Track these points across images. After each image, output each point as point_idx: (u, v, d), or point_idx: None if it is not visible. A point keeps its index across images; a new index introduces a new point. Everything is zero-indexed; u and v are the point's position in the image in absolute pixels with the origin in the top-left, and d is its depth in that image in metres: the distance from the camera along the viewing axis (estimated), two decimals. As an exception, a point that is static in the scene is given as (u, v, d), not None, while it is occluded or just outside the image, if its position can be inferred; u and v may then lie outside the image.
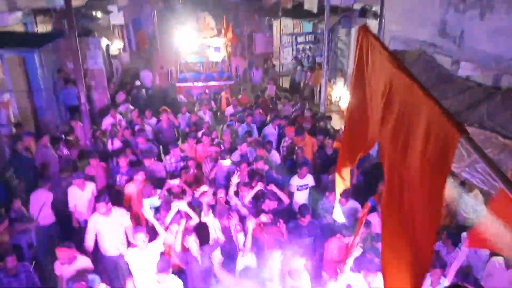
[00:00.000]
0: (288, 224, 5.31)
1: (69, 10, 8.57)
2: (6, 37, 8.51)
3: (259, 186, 5.62)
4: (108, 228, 5.24)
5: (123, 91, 12.74)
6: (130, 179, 6.37)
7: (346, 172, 3.15)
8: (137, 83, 13.65)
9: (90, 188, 6.26)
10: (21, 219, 5.89)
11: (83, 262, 4.79)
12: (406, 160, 1.93)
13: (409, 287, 1.94)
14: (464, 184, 6.51)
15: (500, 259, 4.88)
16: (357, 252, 4.35)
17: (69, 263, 4.63)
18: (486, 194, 6.14)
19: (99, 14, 15.07)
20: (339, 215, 3.66)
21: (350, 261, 4.19)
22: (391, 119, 2.10)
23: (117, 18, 18.55)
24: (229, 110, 10.34)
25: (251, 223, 4.72)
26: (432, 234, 1.79)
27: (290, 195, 6.26)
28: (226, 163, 6.77)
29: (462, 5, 6.01)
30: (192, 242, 4.58)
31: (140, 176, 6.14)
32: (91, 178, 6.54)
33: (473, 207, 6.49)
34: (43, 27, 11.75)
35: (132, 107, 10.63)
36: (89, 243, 5.30)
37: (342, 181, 3.20)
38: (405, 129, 1.95)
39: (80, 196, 6.16)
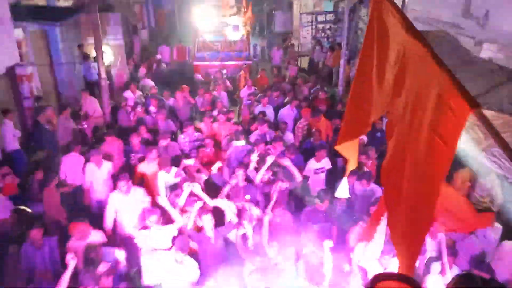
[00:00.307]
0: (305, 209, 5.28)
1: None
2: (29, 10, 8.65)
3: (270, 160, 5.52)
4: (127, 207, 5.26)
5: (144, 66, 12.85)
6: (143, 158, 6.36)
7: (352, 145, 3.09)
8: (158, 57, 13.74)
9: (107, 167, 6.23)
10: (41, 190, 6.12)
11: (97, 236, 4.78)
12: (414, 131, 1.91)
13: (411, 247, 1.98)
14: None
15: (510, 243, 4.87)
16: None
17: (83, 239, 4.59)
18: (502, 178, 6.08)
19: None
20: (343, 191, 3.66)
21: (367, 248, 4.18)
22: (403, 89, 2.07)
23: (137, -7, 18.56)
24: (244, 91, 10.24)
25: (266, 218, 4.62)
26: (432, 203, 1.80)
27: (305, 178, 6.22)
28: (240, 143, 6.70)
29: (488, -16, 5.83)
30: (208, 221, 4.57)
31: (153, 155, 6.06)
32: (107, 156, 6.50)
33: (488, 192, 6.44)
34: (64, 1, 11.87)
35: (152, 83, 10.73)
36: (109, 221, 5.32)
37: (351, 154, 3.16)
38: (416, 99, 1.92)
39: (96, 174, 6.14)
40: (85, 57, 11.48)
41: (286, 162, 5.78)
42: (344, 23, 10.56)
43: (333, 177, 6.29)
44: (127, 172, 5.57)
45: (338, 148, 3.15)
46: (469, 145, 5.32)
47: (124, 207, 5.29)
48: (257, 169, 5.77)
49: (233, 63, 13.33)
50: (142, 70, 12.33)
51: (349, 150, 3.15)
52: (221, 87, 10.24)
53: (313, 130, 7.32)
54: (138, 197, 5.37)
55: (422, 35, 1.95)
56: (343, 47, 10.38)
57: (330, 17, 15.63)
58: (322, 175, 6.39)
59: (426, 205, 1.83)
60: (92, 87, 10.74)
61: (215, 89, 10.29)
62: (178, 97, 9.06)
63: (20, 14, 8.45)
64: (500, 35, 5.68)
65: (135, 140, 6.75)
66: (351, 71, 12.63)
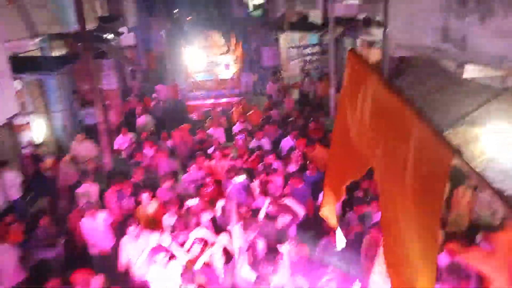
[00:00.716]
0: (321, 242, 5.21)
1: (84, 33, 9.00)
2: (26, 62, 8.94)
3: (266, 205, 5.57)
4: (138, 251, 5.23)
5: (140, 105, 13.08)
6: (139, 202, 6.38)
7: (331, 208, 3.00)
8: (154, 95, 14.02)
9: (102, 217, 6.17)
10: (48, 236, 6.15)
11: (99, 281, 4.76)
12: (400, 184, 1.92)
13: None
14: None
15: None
16: None
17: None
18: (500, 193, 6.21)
19: (110, 36, 15.57)
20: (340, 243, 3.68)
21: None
22: (382, 143, 2.09)
23: (127, 39, 19.11)
24: (237, 127, 10.12)
25: (285, 248, 4.49)
26: (433, 257, 1.80)
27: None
28: (240, 179, 6.71)
29: (462, 11, 6.20)
30: (218, 260, 4.62)
31: (145, 197, 6.17)
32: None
33: (488, 206, 6.55)
34: (57, 51, 12.23)
35: (150, 119, 10.95)
36: (122, 267, 5.39)
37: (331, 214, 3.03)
38: (397, 152, 1.93)
39: (93, 226, 6.09)
40: (83, 103, 11.71)
41: (288, 201, 5.75)
42: (330, 54, 10.99)
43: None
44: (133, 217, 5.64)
45: (322, 214, 3.07)
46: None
47: (135, 252, 5.25)
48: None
49: (226, 101, 13.60)
50: (138, 109, 12.50)
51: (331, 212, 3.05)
52: (216, 123, 10.36)
53: (308, 162, 7.35)
54: (147, 240, 5.30)
55: (398, 89, 2.03)
56: (330, 77, 10.73)
57: (316, 49, 16.19)
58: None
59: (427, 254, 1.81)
60: (90, 132, 10.90)
61: (210, 126, 10.39)
62: (176, 136, 9.18)
63: (17, 66, 8.72)
64: (480, 57, 5.99)
65: (126, 187, 6.74)
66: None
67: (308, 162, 7.33)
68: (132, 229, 5.28)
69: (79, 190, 7.15)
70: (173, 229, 5.49)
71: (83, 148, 9.23)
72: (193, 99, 13.84)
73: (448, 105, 6.88)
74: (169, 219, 5.82)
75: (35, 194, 8.72)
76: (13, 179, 7.87)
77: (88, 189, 7.15)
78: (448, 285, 4.07)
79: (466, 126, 5.81)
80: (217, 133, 9.89)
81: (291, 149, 8.29)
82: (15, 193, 7.88)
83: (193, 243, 4.97)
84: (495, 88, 6.10)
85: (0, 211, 7.38)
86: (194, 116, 13.26)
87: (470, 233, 5.96)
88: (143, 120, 11.07)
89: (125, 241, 5.37)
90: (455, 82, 6.74)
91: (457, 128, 6.31)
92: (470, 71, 6.40)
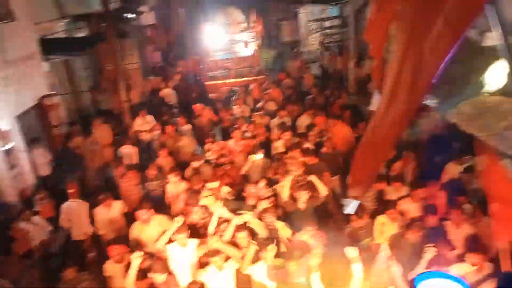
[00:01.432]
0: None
1: (107, 14, 9.24)
2: (54, 43, 9.28)
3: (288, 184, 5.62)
4: (150, 235, 5.42)
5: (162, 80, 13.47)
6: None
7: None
8: (178, 69, 14.30)
9: (117, 207, 6.31)
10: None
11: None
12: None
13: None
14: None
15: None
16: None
17: (120, 262, 4.86)
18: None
19: (131, 16, 15.77)
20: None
21: None
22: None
23: (148, 18, 19.27)
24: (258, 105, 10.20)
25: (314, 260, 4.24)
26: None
27: None
28: (257, 157, 6.71)
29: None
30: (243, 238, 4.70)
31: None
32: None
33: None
34: (82, 32, 12.55)
35: (173, 93, 11.36)
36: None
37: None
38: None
39: (108, 215, 6.22)
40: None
41: (312, 177, 5.79)
42: (350, 26, 10.85)
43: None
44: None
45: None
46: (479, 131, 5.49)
47: (147, 236, 5.42)
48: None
49: (246, 79, 13.39)
50: (161, 84, 12.66)
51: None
52: (241, 101, 10.28)
53: (325, 138, 7.37)
54: (160, 224, 5.49)
55: None
56: (350, 51, 10.64)
57: (336, 22, 15.93)
58: None
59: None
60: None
61: (236, 104, 10.32)
62: (202, 114, 9.42)
63: (46, 47, 9.06)
64: (502, 22, 5.87)
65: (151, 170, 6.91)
66: (361, 73, 12.87)
67: (325, 139, 7.35)
68: (141, 213, 5.38)
69: (122, 150, 7.85)
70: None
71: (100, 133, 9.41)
72: (213, 79, 13.73)
73: (469, 73, 6.82)
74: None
75: (65, 171, 9.18)
76: (43, 156, 8.32)
77: (130, 150, 7.88)
78: None
79: (486, 94, 5.79)
80: (243, 110, 9.91)
81: (310, 126, 8.31)
82: (46, 170, 8.37)
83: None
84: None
85: (32, 187, 7.86)
86: (214, 96, 13.15)
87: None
88: (166, 92, 11.26)
89: (136, 226, 5.49)
90: (475, 50, 6.64)
91: (477, 97, 6.28)
92: (492, 39, 6.29)
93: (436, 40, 1.88)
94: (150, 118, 9.85)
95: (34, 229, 6.14)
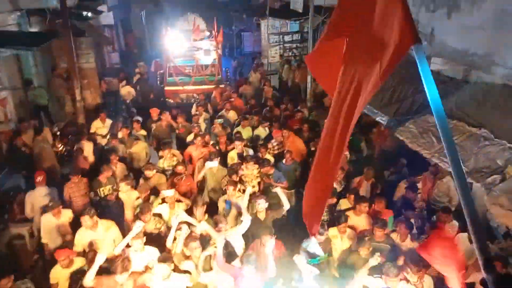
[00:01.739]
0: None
1: (64, 10, 8.97)
2: (5, 37, 8.83)
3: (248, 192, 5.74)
4: (99, 240, 5.41)
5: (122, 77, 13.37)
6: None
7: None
8: (137, 70, 14.08)
9: (67, 215, 6.16)
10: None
11: (80, 262, 5.04)
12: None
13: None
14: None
15: (463, 235, 5.41)
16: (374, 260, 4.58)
17: (69, 266, 4.84)
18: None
19: (89, 14, 15.35)
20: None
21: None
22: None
23: (107, 18, 18.85)
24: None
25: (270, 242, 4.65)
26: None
27: None
28: (213, 164, 6.71)
29: (432, 5, 6.56)
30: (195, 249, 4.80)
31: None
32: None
33: (446, 192, 7.07)
34: (35, 27, 12.04)
35: (132, 90, 11.50)
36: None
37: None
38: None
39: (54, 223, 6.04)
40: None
41: (277, 189, 5.88)
42: (309, 41, 11.27)
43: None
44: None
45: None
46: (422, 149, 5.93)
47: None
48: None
49: (205, 87, 13.22)
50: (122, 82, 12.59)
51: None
52: (201, 108, 10.11)
53: (285, 151, 7.51)
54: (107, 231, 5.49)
55: None
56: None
57: (296, 37, 16.47)
58: None
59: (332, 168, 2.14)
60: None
61: (197, 111, 10.15)
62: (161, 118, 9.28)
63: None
64: (445, 50, 6.39)
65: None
66: (318, 87, 13.33)
67: (285, 151, 7.48)
68: (86, 219, 5.31)
69: (79, 146, 7.76)
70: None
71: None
72: (172, 85, 13.51)
73: (414, 93, 7.29)
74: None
75: (11, 169, 8.73)
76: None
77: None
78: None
79: (427, 114, 6.24)
80: (202, 118, 9.79)
81: (266, 137, 8.49)
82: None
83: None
84: (457, 81, 6.51)
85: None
86: (171, 101, 13.12)
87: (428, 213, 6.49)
88: (125, 90, 11.09)
89: (82, 231, 5.46)
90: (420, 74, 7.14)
91: (421, 116, 6.73)
92: (436, 64, 6.80)
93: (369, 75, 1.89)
94: (108, 122, 9.64)
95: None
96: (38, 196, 6.41)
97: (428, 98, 1.62)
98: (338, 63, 2.27)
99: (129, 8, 24.67)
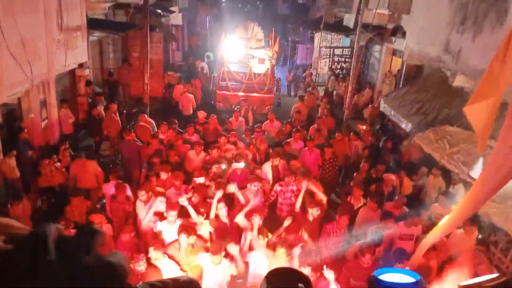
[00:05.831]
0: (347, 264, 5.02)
1: (146, 6, 10.63)
2: (97, 22, 10.70)
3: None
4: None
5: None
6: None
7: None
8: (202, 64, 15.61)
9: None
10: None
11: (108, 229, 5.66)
12: None
13: None
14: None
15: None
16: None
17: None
18: (466, 184, 7.39)
19: (163, 13, 17.22)
20: None
21: None
22: None
23: (176, 18, 20.81)
24: (268, 124, 10.19)
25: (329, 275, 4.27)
26: None
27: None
28: (239, 165, 6.82)
29: (461, 28, 7.39)
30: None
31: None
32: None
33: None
34: (118, 19, 13.99)
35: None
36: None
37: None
38: None
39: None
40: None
41: (312, 187, 6.16)
42: (354, 56, 12.21)
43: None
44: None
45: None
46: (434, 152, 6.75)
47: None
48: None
49: (255, 95, 13.44)
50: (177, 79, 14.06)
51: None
52: (239, 114, 10.36)
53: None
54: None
55: None
56: (351, 76, 11.96)
57: (346, 51, 17.38)
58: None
59: None
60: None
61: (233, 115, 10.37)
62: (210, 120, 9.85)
63: (90, 24, 10.45)
64: (469, 68, 7.19)
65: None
66: (358, 100, 14.24)
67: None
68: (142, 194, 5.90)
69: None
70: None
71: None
72: (223, 89, 13.73)
73: (440, 108, 8.13)
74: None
75: (86, 133, 10.47)
76: (67, 116, 9.59)
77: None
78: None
79: (447, 124, 7.05)
80: (238, 123, 9.99)
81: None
82: (68, 129, 9.63)
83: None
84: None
85: (56, 140, 9.10)
86: (220, 105, 13.56)
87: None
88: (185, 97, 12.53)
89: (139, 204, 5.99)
90: (447, 90, 7.96)
91: (440, 126, 7.58)
92: (460, 80, 7.60)
93: None
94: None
95: (55, 171, 7.36)
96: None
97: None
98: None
99: (197, 12, 26.79)
